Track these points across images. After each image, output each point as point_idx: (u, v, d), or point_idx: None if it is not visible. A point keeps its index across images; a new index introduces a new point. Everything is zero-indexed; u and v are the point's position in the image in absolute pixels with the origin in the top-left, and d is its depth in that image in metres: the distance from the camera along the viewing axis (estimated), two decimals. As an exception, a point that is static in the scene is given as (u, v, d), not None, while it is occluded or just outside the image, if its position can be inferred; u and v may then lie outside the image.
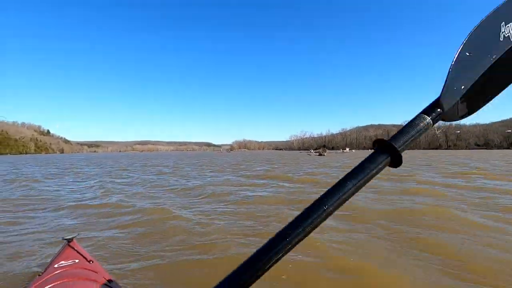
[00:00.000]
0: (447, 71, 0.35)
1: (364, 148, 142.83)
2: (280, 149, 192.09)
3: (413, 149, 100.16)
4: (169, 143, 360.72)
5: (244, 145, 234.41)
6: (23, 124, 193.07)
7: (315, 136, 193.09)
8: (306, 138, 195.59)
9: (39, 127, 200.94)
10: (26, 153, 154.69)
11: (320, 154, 43.43)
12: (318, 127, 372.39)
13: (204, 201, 6.59)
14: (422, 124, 0.34)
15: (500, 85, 0.43)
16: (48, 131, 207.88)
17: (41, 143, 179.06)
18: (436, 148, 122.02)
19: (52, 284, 1.43)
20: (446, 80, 0.35)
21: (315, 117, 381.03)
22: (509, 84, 0.38)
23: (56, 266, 1.77)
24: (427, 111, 0.37)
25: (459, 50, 0.39)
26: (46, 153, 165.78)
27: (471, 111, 0.37)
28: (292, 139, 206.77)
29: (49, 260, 2.22)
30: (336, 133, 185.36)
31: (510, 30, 0.37)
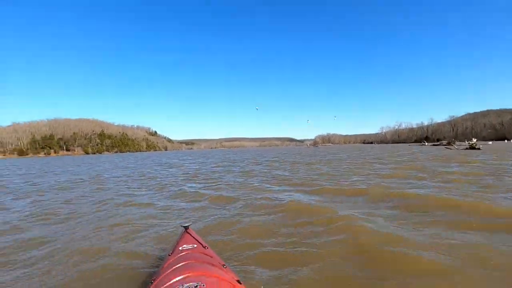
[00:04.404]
0: None
1: (484, 139, 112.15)
2: (370, 143, 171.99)
3: None
4: (252, 139, 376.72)
5: (328, 139, 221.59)
6: (138, 126, 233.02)
7: (414, 126, 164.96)
8: (402, 129, 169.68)
9: (149, 128, 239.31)
10: (140, 151, 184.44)
11: (448, 146, 34.56)
12: (416, 116, 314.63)
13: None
14: None
15: None
16: (155, 132, 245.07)
17: (150, 142, 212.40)
18: None
19: (181, 264, 1.73)
20: None
21: (411, 104, 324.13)
22: None
23: (180, 248, 2.08)
24: None
25: None
26: (154, 151, 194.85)
27: None
28: (384, 131, 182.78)
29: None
30: (441, 122, 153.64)
31: None
